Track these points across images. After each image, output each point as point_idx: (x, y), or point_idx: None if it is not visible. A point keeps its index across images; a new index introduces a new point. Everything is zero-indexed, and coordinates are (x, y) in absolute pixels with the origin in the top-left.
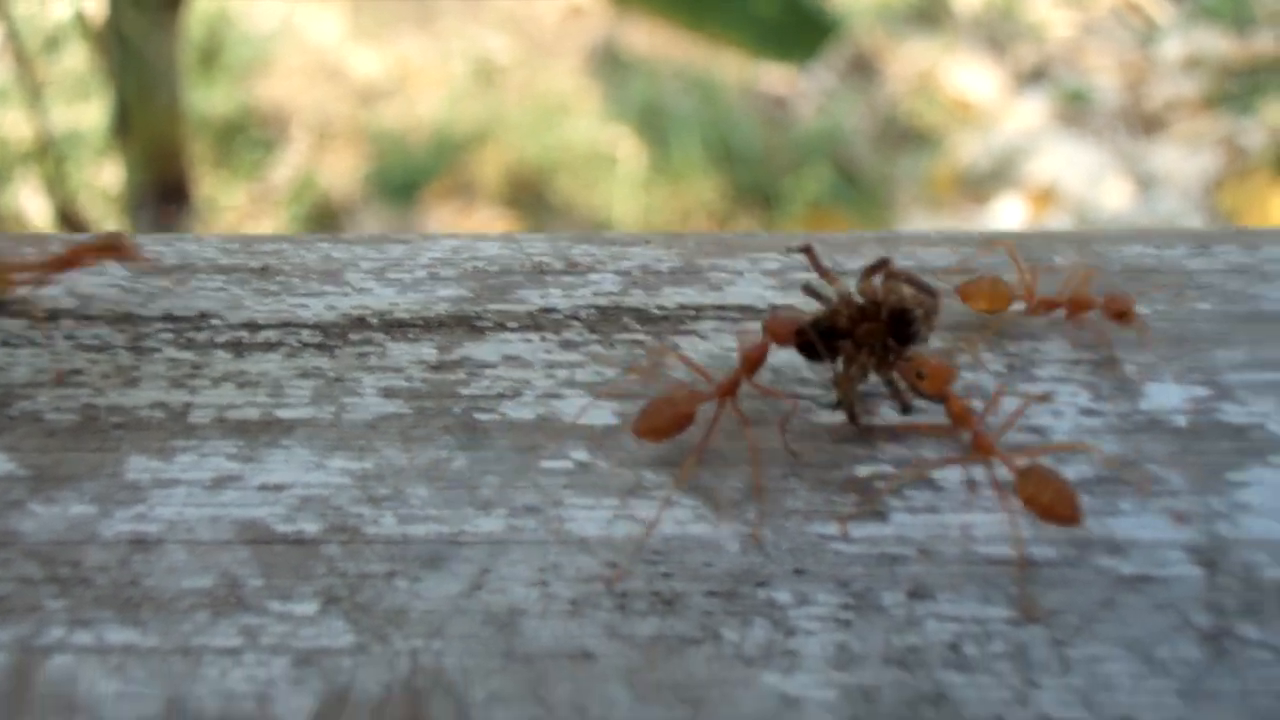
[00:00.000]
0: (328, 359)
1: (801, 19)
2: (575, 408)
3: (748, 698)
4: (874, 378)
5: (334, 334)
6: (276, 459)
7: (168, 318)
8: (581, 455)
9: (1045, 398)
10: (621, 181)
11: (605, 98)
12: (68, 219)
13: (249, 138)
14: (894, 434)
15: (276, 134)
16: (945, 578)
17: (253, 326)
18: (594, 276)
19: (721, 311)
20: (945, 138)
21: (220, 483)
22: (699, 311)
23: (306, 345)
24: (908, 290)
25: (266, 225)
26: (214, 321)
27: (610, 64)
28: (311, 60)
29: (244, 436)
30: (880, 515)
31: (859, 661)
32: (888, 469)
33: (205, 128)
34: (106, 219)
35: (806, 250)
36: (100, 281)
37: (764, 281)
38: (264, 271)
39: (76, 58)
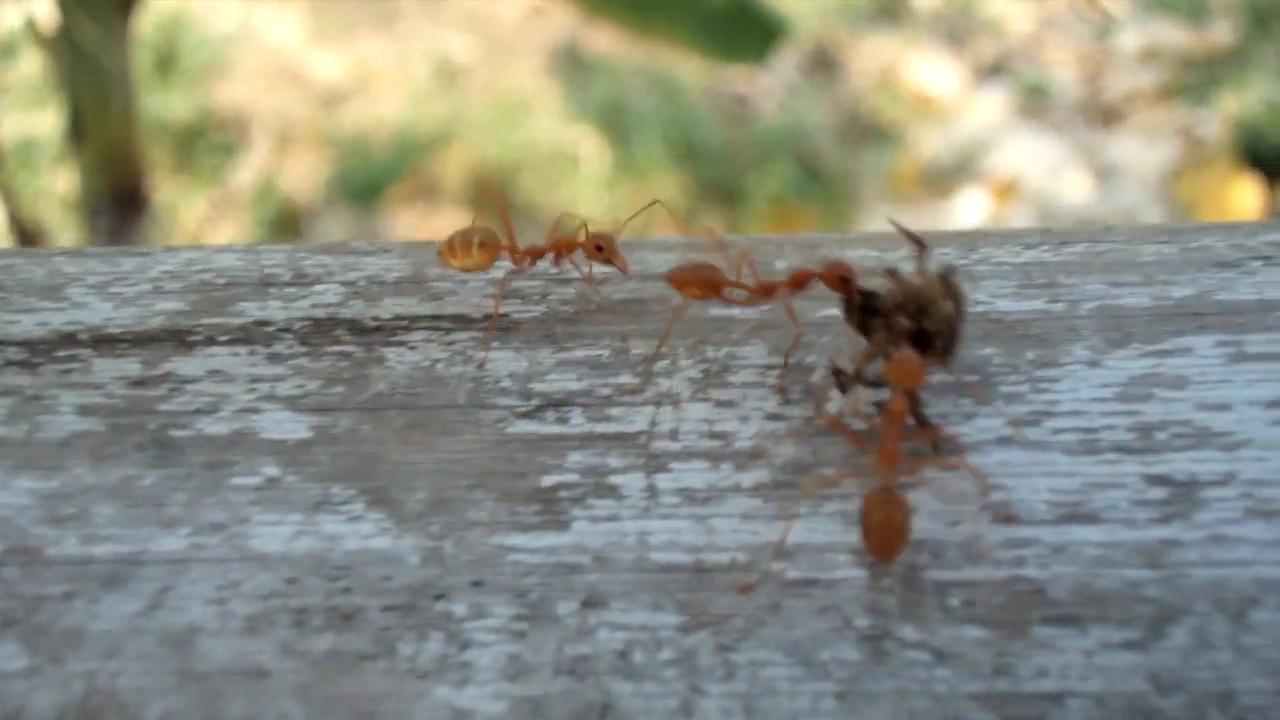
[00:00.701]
0: (29, 376)
1: (748, 21)
2: (271, 422)
3: (419, 711)
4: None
5: (40, 351)
6: None
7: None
8: (272, 471)
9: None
10: (585, 180)
11: (567, 97)
12: (22, 226)
13: (209, 142)
14: (582, 442)
15: (237, 138)
16: (619, 586)
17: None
18: (319, 288)
19: (435, 322)
20: (907, 133)
21: None
22: (412, 322)
23: (10, 363)
24: (948, 305)
25: (228, 230)
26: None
27: (572, 63)
28: (271, 63)
29: None
30: (562, 524)
31: (530, 672)
32: (574, 478)
33: (164, 133)
34: (64, 226)
35: (919, 241)
36: None
37: (487, 290)
38: None
39: (31, 64)
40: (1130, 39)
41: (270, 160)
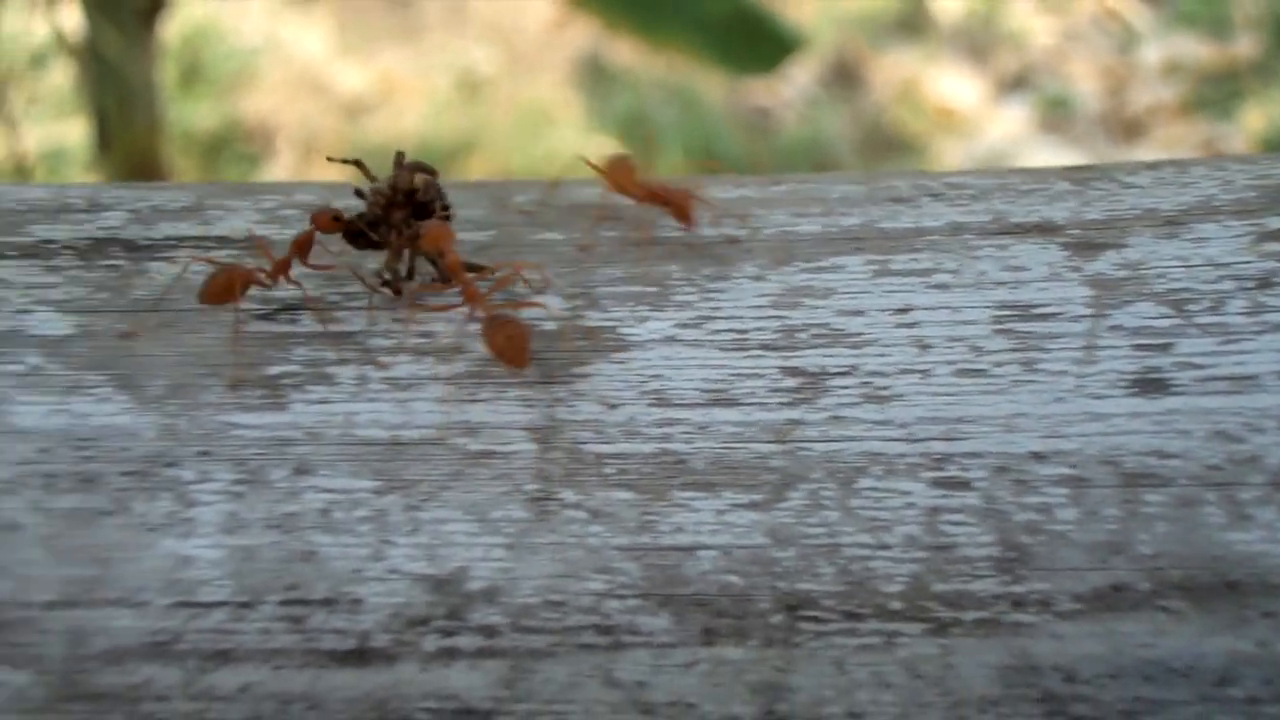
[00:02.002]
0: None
1: (759, 33)
2: (39, 321)
3: (148, 559)
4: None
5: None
6: None
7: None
8: (35, 360)
9: (538, 267)
10: None
11: (589, 108)
12: None
13: (235, 152)
14: (307, 340)
15: (262, 148)
16: (326, 457)
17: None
18: (107, 214)
19: (201, 242)
20: (928, 145)
21: None
22: (180, 241)
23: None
24: (419, 176)
25: None
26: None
27: (594, 75)
28: (296, 74)
29: None
30: (281, 406)
31: (245, 527)
32: (296, 369)
33: (190, 143)
34: None
35: (357, 163)
36: None
37: (253, 217)
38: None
39: (60, 75)
40: (1153, 52)
41: (295, 170)
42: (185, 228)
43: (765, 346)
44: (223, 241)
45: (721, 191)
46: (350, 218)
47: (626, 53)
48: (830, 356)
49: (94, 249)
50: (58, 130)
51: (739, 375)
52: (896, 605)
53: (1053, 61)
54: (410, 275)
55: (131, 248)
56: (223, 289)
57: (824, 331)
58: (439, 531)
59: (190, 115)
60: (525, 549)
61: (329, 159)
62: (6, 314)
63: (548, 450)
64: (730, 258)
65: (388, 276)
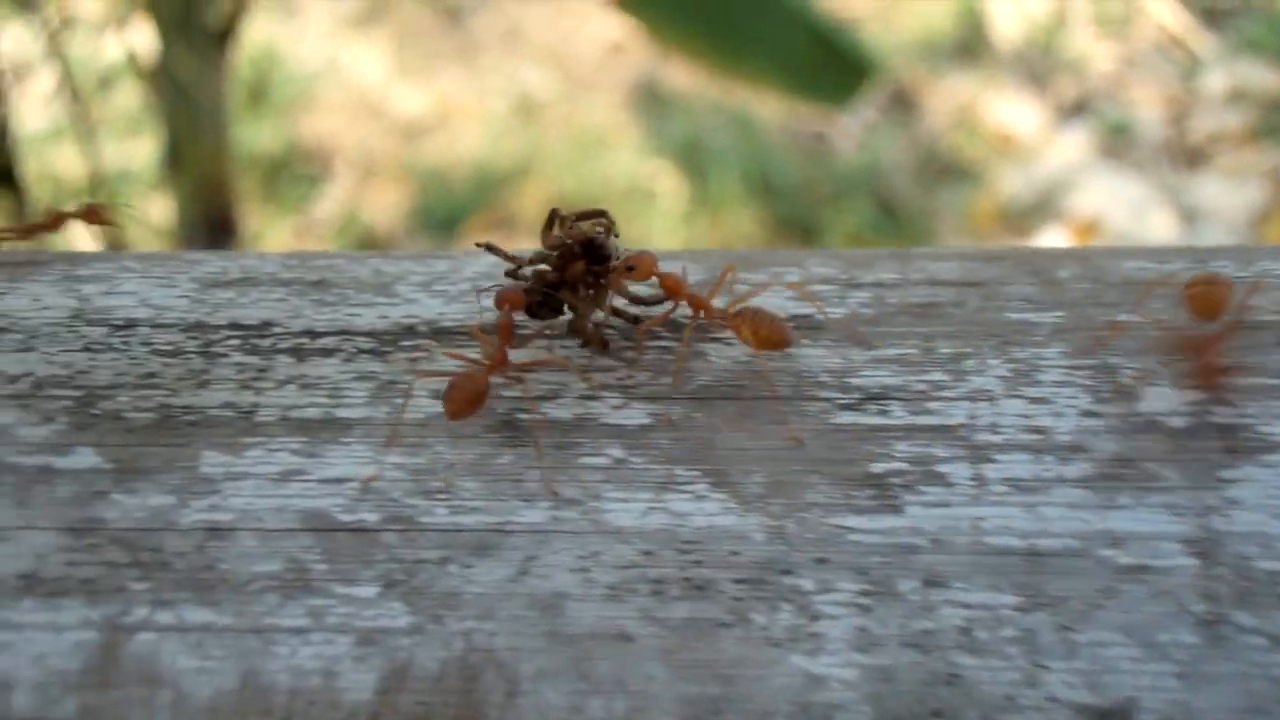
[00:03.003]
0: (381, 364)
1: (837, 62)
2: (610, 408)
3: (776, 676)
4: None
5: (386, 341)
6: (337, 454)
7: (234, 325)
8: (617, 452)
9: (730, 268)
10: (661, 215)
11: (645, 132)
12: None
13: (294, 173)
14: (905, 433)
15: (321, 170)
16: (957, 567)
17: (312, 334)
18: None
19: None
20: (986, 171)
21: (286, 476)
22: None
23: (362, 351)
24: (583, 223)
25: None
26: (276, 329)
27: (650, 100)
28: (355, 97)
29: (306, 434)
30: (896, 509)
31: (879, 644)
32: (902, 466)
33: (252, 164)
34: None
35: (489, 247)
36: (171, 293)
37: (785, 293)
38: (320, 284)
39: (128, 96)
40: (1217, 79)
41: (353, 191)
42: (721, 304)
43: None
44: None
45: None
46: (533, 286)
47: (682, 77)
48: None
49: (635, 329)
50: (124, 150)
51: None
52: None
53: (1113, 87)
54: (636, 320)
55: (675, 327)
56: (472, 399)
57: None
58: (1099, 656)
59: (253, 137)
60: (1201, 678)
61: (477, 244)
62: (572, 399)
63: (1211, 566)
64: None
65: (585, 332)
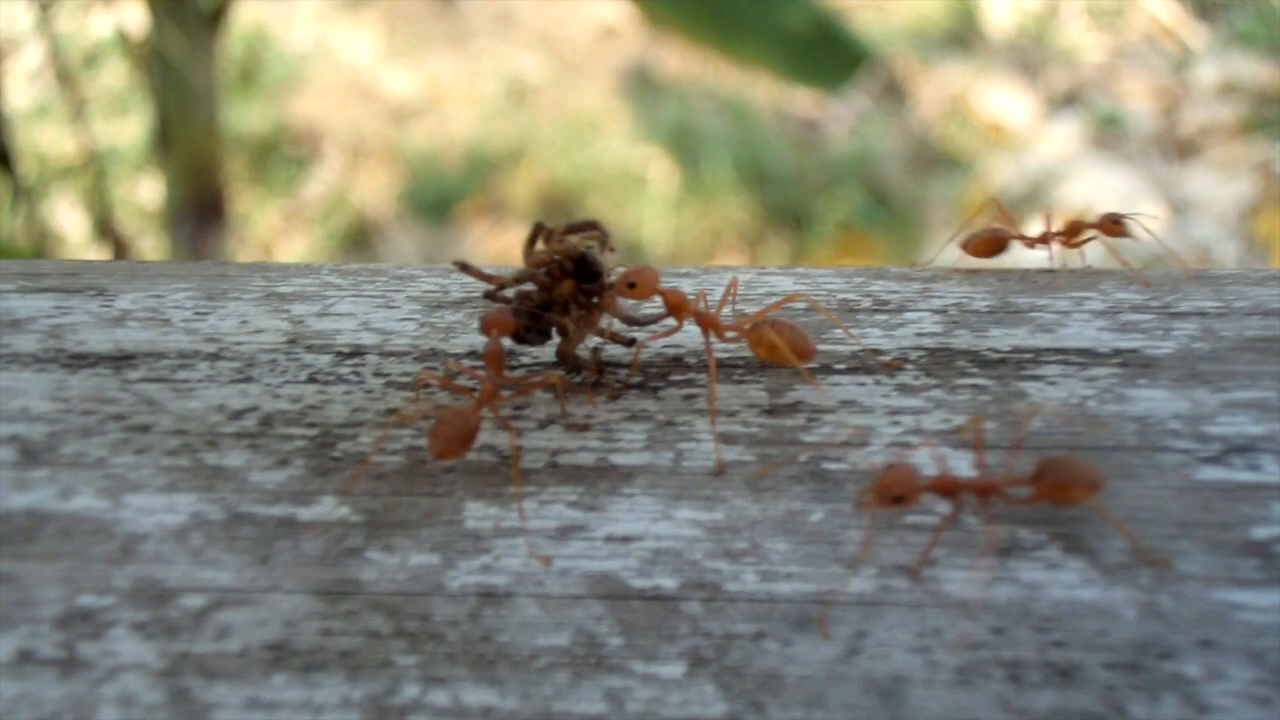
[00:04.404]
0: (652, 400)
1: (834, 46)
2: (930, 457)
3: None
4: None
5: (654, 374)
6: (620, 508)
7: (475, 354)
8: (947, 510)
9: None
10: (652, 201)
11: (636, 118)
12: (106, 233)
13: (283, 155)
14: None
15: (310, 152)
16: None
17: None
18: (910, 315)
19: (1062, 355)
20: (977, 161)
21: (565, 532)
22: (1036, 355)
23: (627, 386)
24: (572, 237)
25: (299, 243)
26: (523, 359)
27: (642, 85)
28: (345, 79)
29: (581, 483)
30: None
31: None
32: None
33: (240, 145)
34: (143, 234)
35: (464, 267)
36: (393, 316)
37: (1096, 323)
38: None
39: (114, 75)
40: (1208, 72)
41: (342, 174)
42: (1022, 335)
43: None
44: (1087, 356)
45: None
46: (520, 309)
47: (674, 62)
48: None
49: (934, 361)
50: (110, 130)
51: None
52: None
53: (1105, 79)
54: (631, 343)
55: (981, 361)
56: (463, 438)
57: None
58: None
59: (241, 118)
60: None
61: (454, 263)
62: (882, 446)
63: None
64: None
65: (577, 358)
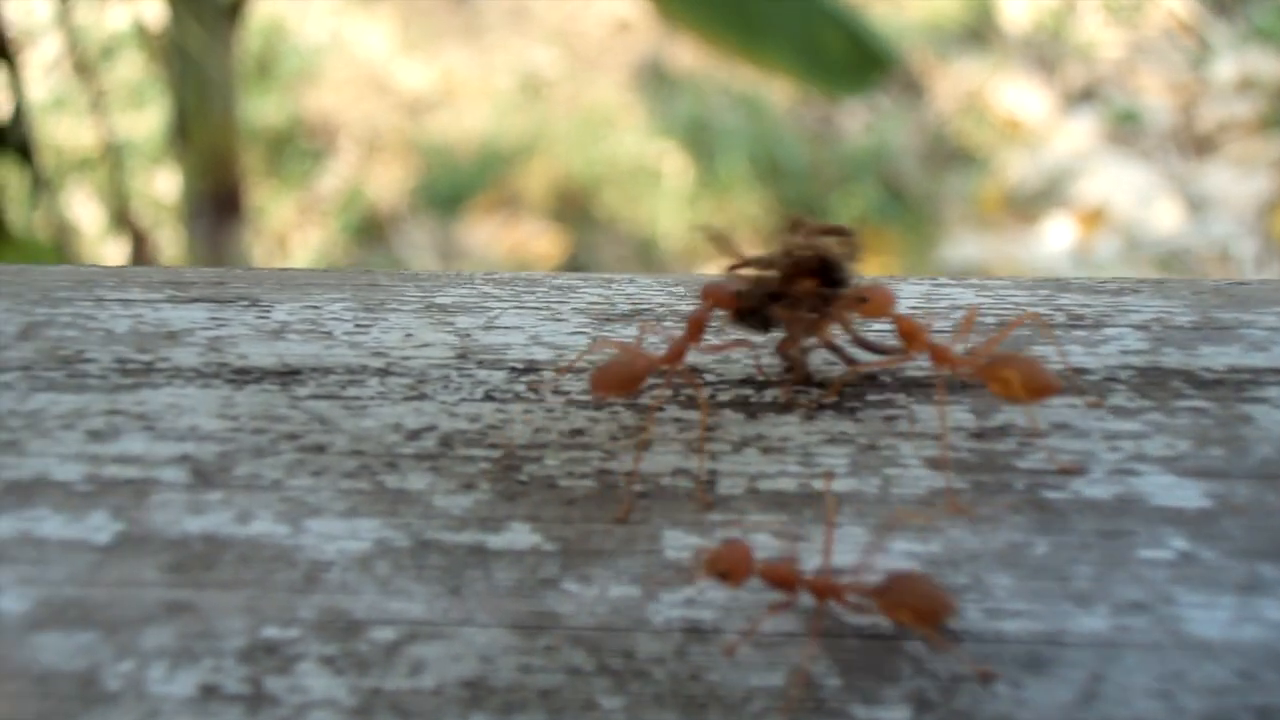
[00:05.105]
0: (851, 422)
1: (857, 51)
2: (1157, 487)
3: None
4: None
5: (849, 393)
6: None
7: (654, 371)
8: (1181, 544)
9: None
10: (667, 196)
11: (651, 113)
12: (124, 225)
13: (298, 148)
14: None
15: (325, 145)
16: None
17: (755, 384)
18: (1109, 331)
19: None
20: (993, 157)
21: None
22: (1255, 375)
23: (822, 406)
24: (826, 239)
25: (314, 236)
26: (707, 375)
27: (656, 79)
28: (360, 73)
29: (784, 510)
30: None
31: None
32: None
33: (256, 138)
34: (159, 226)
35: (715, 237)
36: (562, 329)
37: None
38: None
39: (132, 67)
40: (1226, 68)
41: (357, 167)
42: (1235, 353)
43: None
44: None
45: None
46: (748, 290)
47: (688, 57)
48: None
49: (1147, 382)
50: (128, 122)
51: None
52: None
53: (1122, 75)
54: (850, 361)
55: (1197, 383)
56: (626, 378)
57: None
58: None
59: (257, 111)
60: None
61: (699, 228)
62: (1104, 474)
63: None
64: None
65: (793, 358)
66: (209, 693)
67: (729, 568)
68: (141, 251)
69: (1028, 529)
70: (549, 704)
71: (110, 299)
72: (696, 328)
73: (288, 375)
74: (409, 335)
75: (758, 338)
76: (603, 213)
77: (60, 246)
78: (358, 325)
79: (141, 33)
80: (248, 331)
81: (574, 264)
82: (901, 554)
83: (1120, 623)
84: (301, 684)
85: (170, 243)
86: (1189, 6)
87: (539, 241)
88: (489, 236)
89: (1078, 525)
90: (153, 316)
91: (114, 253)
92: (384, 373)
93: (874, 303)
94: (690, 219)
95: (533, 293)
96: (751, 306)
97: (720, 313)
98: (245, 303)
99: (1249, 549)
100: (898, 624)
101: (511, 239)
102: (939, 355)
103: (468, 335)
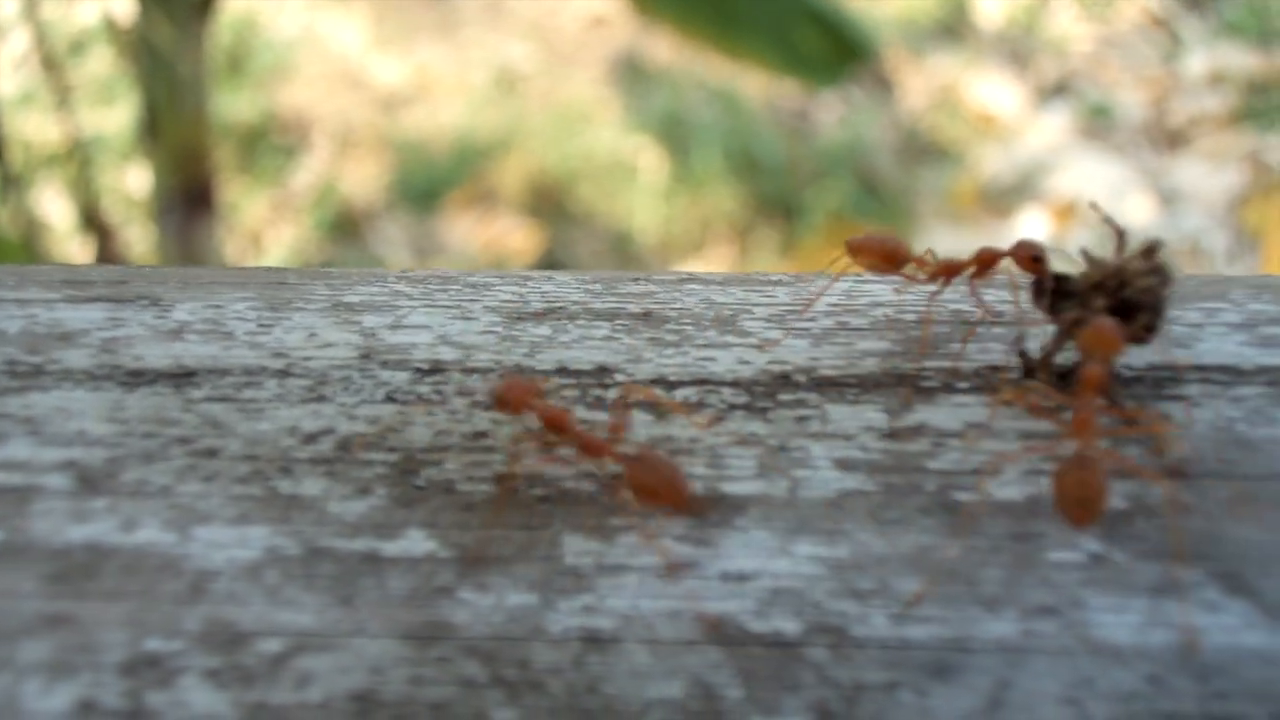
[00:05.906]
0: (761, 423)
1: (833, 41)
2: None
3: None
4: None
5: (760, 393)
6: (733, 542)
7: (564, 371)
8: (1093, 546)
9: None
10: (642, 191)
11: (627, 108)
12: (92, 222)
13: (271, 144)
14: None
15: (298, 141)
16: None
17: (665, 383)
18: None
19: (1203, 373)
20: (967, 151)
21: (674, 570)
22: (1180, 373)
23: (733, 407)
24: (1165, 290)
25: (287, 232)
26: (618, 376)
27: (632, 74)
28: (333, 68)
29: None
30: None
31: None
32: None
33: (228, 134)
34: (129, 223)
35: (1109, 221)
36: (471, 328)
37: (1235, 337)
38: (649, 318)
39: (101, 62)
40: (1197, 62)
41: (330, 163)
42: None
43: None
44: (1229, 373)
45: None
46: (1052, 271)
47: (664, 52)
48: None
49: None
50: (97, 118)
51: None
52: None
53: (1094, 70)
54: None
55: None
56: (888, 251)
57: None
58: None
59: (229, 106)
60: None
61: (1091, 205)
62: (1020, 474)
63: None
64: None
65: (1036, 355)
66: (87, 708)
67: (512, 398)
68: (109, 248)
69: (936, 531)
70: (439, 717)
71: (8, 299)
72: (984, 262)
73: (182, 377)
74: (312, 335)
75: (1038, 314)
76: (579, 208)
77: (29, 243)
78: (260, 325)
79: (110, 27)
80: (144, 332)
81: (550, 259)
82: (806, 557)
83: (1029, 627)
84: (183, 698)
85: (140, 239)
86: (1160, 1)
87: (515, 237)
88: (465, 232)
89: (987, 529)
90: (47, 317)
91: (83, 249)
92: (283, 374)
93: (1092, 336)
94: (666, 214)
95: (445, 291)
96: (1053, 287)
97: (1015, 270)
98: (145, 302)
99: (1163, 550)
100: (638, 496)
101: (487, 234)
102: (1079, 424)
103: (373, 335)
